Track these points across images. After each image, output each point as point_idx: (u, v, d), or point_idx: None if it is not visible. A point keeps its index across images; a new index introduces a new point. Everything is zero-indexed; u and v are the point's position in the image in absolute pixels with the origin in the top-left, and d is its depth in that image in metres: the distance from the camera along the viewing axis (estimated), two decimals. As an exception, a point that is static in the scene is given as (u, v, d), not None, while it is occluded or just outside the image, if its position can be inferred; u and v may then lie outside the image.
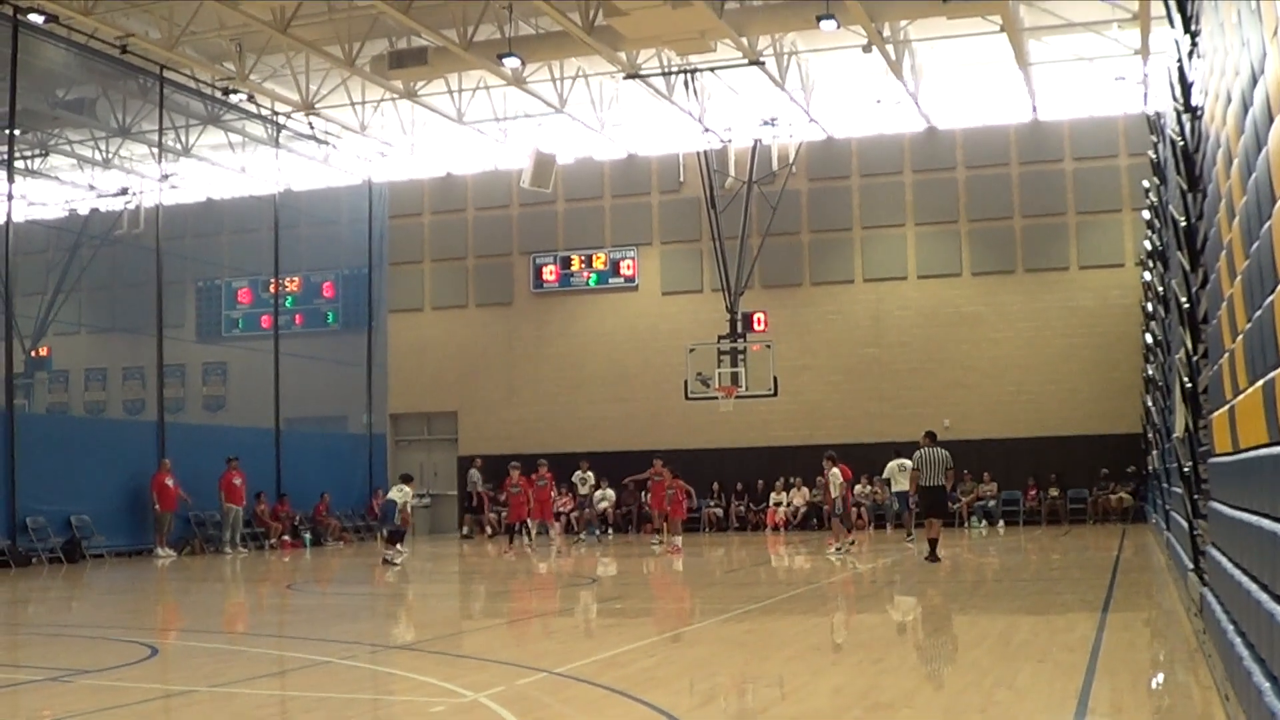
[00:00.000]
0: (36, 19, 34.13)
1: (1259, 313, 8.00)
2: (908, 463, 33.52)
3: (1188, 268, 16.12)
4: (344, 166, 49.14)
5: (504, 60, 37.30)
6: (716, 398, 41.68)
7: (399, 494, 32.92)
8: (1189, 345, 16.04)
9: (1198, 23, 15.42)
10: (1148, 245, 33.67)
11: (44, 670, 13.94)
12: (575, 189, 49.91)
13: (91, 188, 50.12)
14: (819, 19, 34.09)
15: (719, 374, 41.55)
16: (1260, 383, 7.93)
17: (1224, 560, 10.99)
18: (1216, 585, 11.87)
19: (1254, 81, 8.48)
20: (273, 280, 45.97)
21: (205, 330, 50.83)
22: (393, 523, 33.21)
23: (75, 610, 24.04)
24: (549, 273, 50.31)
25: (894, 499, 38.07)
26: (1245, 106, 8.99)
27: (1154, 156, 30.28)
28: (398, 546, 32.72)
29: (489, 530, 44.44)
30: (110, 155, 48.43)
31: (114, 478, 36.39)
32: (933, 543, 28.46)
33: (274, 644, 17.31)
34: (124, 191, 47.67)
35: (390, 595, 26.10)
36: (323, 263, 49.53)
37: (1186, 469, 17.09)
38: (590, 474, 41.42)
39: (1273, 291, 7.31)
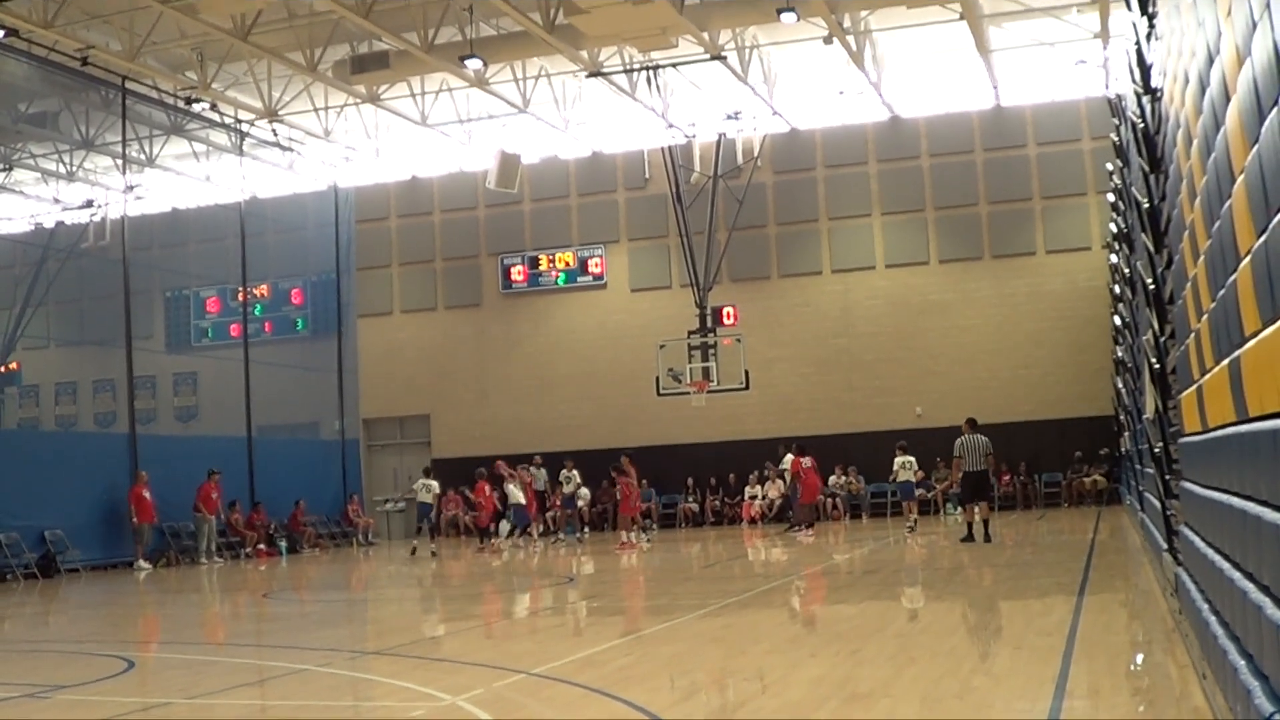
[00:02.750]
0: (-4, 33, 34.03)
1: (1222, 292, 8.03)
2: (911, 459, 35.89)
3: (1152, 249, 16.16)
4: (309, 172, 49.04)
5: (466, 62, 37.26)
6: (688, 393, 41.75)
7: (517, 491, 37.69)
8: (1156, 326, 16.08)
9: (1155, 5, 15.45)
10: (1113, 228, 33.75)
11: (21, 686, 13.87)
12: (541, 188, 49.89)
13: (56, 201, 50.03)
14: (779, 12, 34.12)
15: (690, 369, 41.64)
16: (1226, 361, 7.96)
17: (1197, 540, 11.02)
18: (1191, 565, 11.90)
19: (1210, 62, 8.51)
20: (241, 288, 45.76)
21: (175, 340, 50.75)
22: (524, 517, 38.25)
23: (51, 625, 23.97)
24: (517, 273, 50.28)
25: (898, 489, 38.43)
26: (1203, 87, 9.02)
27: (1116, 139, 30.32)
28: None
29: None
30: (74, 168, 48.31)
31: (87, 491, 36.19)
32: (984, 524, 29.12)
33: (252, 653, 17.27)
34: (89, 204, 47.60)
35: (367, 601, 26.09)
36: (290, 269, 49.46)
37: (1158, 450, 17.16)
38: (575, 473, 41.28)
39: (1235, 270, 7.34)
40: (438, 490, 38.59)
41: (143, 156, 46.56)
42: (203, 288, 50.31)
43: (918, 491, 41.78)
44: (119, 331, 39.17)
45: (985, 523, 29.08)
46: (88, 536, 35.72)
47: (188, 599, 28.23)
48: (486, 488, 38.81)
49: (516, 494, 37.98)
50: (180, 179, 49.34)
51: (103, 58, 37.29)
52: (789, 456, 38.72)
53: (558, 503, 42.14)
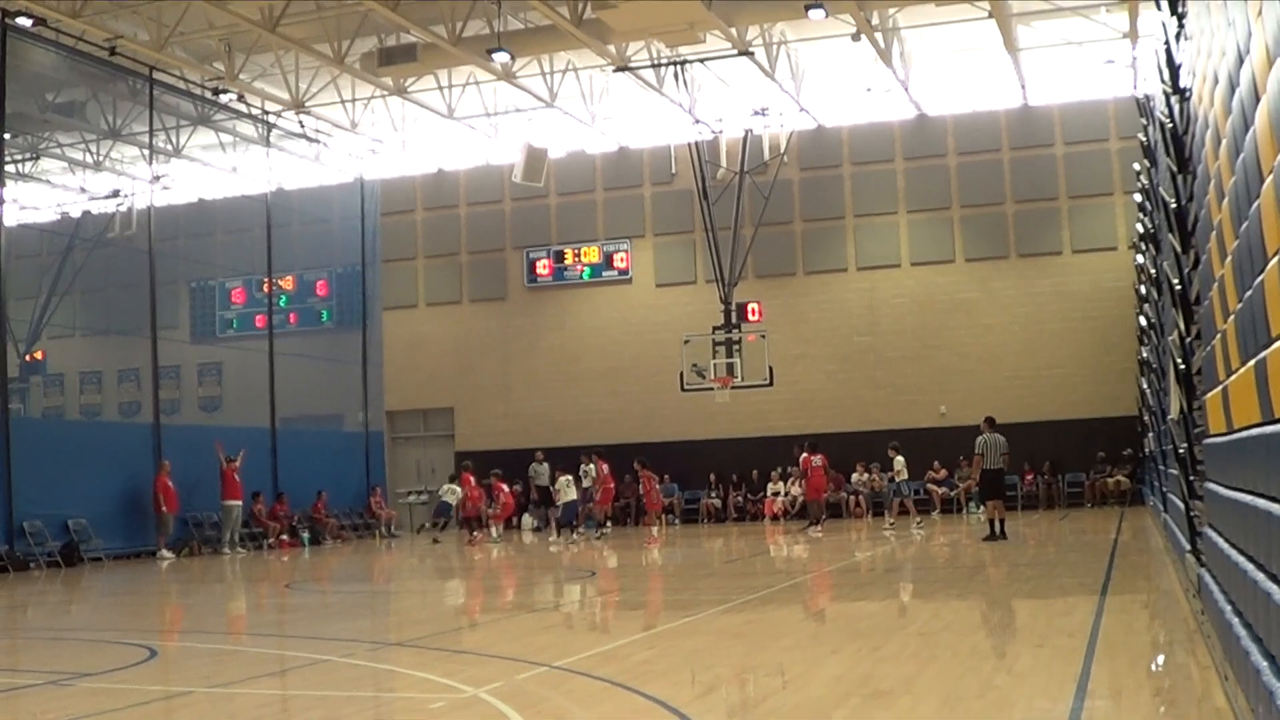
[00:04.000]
0: (24, 22, 34.06)
1: (1249, 292, 8.01)
2: (900, 459, 38.11)
3: (1179, 249, 16.14)
4: (335, 164, 49.10)
5: (493, 55, 37.24)
6: (712, 389, 41.72)
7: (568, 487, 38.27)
8: (1182, 327, 16.07)
9: (1184, 4, 15.43)
10: (1140, 228, 33.72)
11: (43, 674, 13.94)
12: (567, 182, 49.84)
13: (83, 190, 50.06)
14: (807, 8, 34.11)
15: (714, 365, 41.62)
16: (1252, 362, 7.94)
17: (1221, 541, 11.00)
18: (1214, 566, 11.88)
19: (1240, 62, 8.49)
20: (266, 280, 45.84)
21: (200, 331, 50.78)
22: (572, 512, 38.70)
23: (74, 614, 24.02)
24: (542, 267, 50.28)
25: (895, 487, 39.34)
26: (1232, 87, 9.00)
27: (1144, 139, 30.31)
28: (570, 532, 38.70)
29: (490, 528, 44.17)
30: (101, 157, 48.35)
31: (111, 480, 36.32)
32: (1000, 523, 29.62)
33: (273, 643, 17.31)
34: (115, 193, 47.58)
35: (389, 592, 26.13)
36: (316, 261, 49.48)
37: (1182, 450, 17.12)
38: (593, 467, 41.26)
39: (1263, 271, 7.32)
40: (460, 494, 39.12)
41: (169, 147, 46.58)
42: (228, 278, 50.33)
43: (940, 490, 42.45)
44: (144, 321, 39.27)
45: (1001, 521, 29.43)
46: (111, 525, 35.83)
47: (210, 589, 28.29)
48: (472, 479, 39.39)
49: (569, 491, 38.32)
50: (207, 170, 49.38)
51: (130, 48, 37.38)
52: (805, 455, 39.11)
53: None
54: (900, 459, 38.70)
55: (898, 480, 39.19)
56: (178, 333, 47.12)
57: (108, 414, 49.25)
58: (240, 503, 38.93)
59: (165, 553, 36.32)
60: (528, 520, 45.44)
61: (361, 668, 14.06)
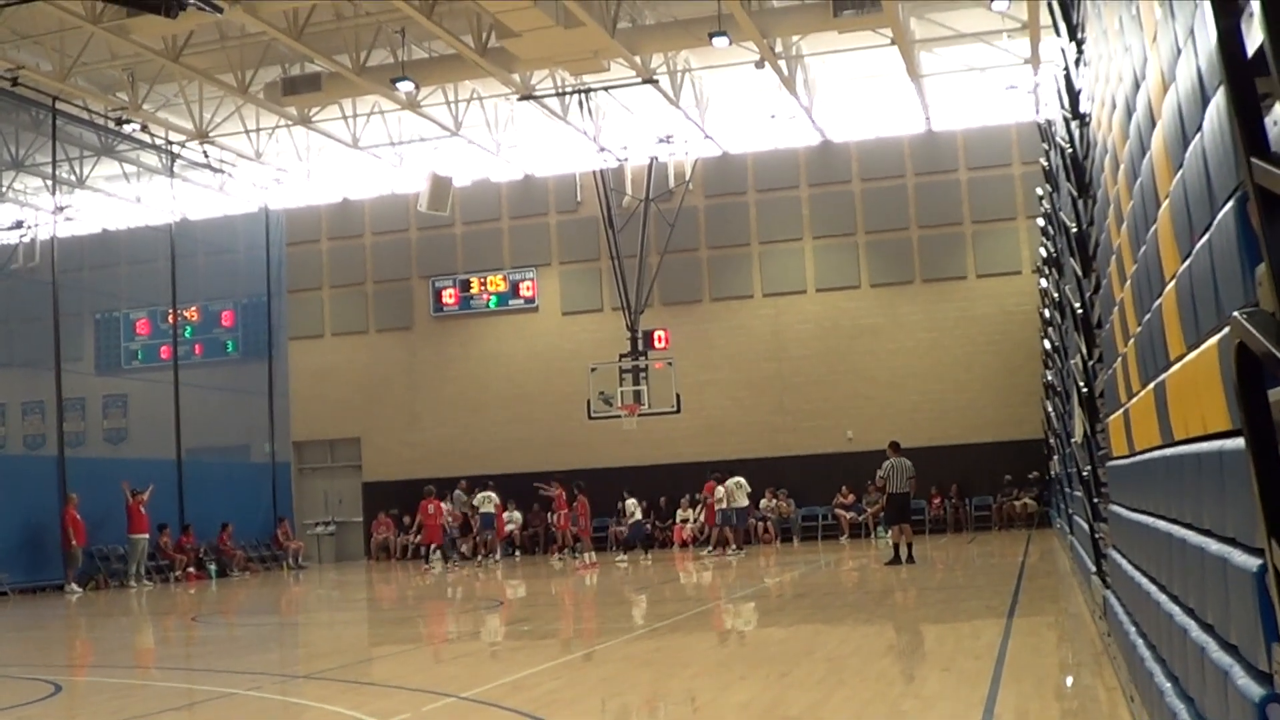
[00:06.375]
0: (-77, 53, 33.80)
1: (1148, 316, 8.07)
2: (744, 481, 39.00)
3: (1080, 273, 16.26)
4: (240, 194, 48.87)
5: (398, 84, 37.17)
6: (620, 416, 41.70)
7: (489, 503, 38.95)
8: (1084, 350, 16.17)
9: (1083, 30, 15.55)
10: (1043, 252, 33.93)
11: (-55, 712, 13.77)
12: (473, 211, 49.75)
13: (-15, 222, 49.64)
14: (711, 36, 34.16)
15: (621, 392, 41.61)
16: (1152, 385, 8.00)
17: (1124, 563, 11.06)
18: (1118, 588, 11.94)
19: (1136, 87, 8.56)
20: (171, 311, 45.52)
21: (104, 363, 50.33)
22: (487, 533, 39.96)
23: (-23, 650, 23.74)
24: (448, 296, 50.16)
25: (732, 515, 39.54)
26: (1129, 112, 9.07)
27: (1046, 164, 30.48)
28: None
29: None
30: (4, 188, 47.88)
31: (15, 514, 35.89)
32: (908, 546, 29.89)
33: (181, 677, 17.15)
34: (18, 225, 47.13)
35: (296, 624, 25.97)
36: (221, 292, 49.15)
37: (1086, 473, 17.23)
38: (492, 494, 41.17)
39: (1160, 295, 7.39)
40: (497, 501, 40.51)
41: (73, 177, 46.30)
42: (133, 310, 49.91)
43: (848, 514, 42.64)
44: (48, 353, 38.85)
45: (909, 545, 29.62)
46: (15, 560, 35.42)
47: (117, 622, 28.01)
48: (429, 507, 39.28)
49: (636, 513, 38.73)
50: (110, 200, 49.07)
51: (33, 78, 37.05)
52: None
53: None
54: (722, 489, 39.42)
55: (720, 509, 39.77)
56: (82, 364, 46.68)
57: (12, 447, 48.66)
58: (147, 535, 38.56)
59: (73, 586, 35.97)
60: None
61: (269, 700, 13.94)
